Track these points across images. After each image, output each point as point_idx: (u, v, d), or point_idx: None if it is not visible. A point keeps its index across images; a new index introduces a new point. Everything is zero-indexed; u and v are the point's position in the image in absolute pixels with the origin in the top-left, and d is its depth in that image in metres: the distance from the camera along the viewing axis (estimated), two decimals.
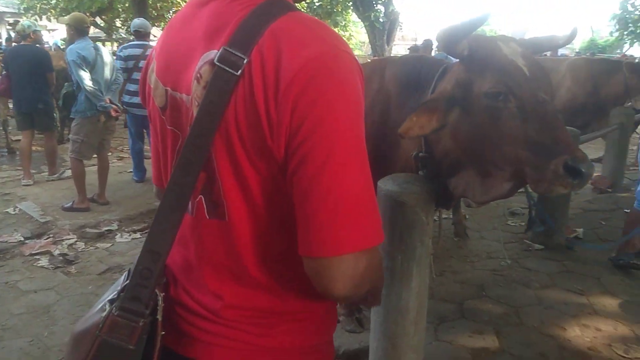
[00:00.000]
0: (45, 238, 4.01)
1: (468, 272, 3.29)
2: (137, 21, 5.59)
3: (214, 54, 0.73)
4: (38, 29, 5.65)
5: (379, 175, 2.05)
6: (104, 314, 0.76)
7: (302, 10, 0.79)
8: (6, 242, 3.88)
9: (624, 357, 2.30)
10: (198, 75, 0.75)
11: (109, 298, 0.80)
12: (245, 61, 0.70)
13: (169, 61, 0.83)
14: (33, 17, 14.06)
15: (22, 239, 3.96)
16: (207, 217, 0.81)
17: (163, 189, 0.88)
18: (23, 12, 16.33)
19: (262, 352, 0.81)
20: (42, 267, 3.51)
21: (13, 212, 4.58)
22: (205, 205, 0.81)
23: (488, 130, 1.49)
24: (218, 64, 0.71)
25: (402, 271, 2.01)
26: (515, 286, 3.07)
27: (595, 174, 5.56)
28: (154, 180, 1.01)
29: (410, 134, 1.56)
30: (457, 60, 1.71)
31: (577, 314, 2.71)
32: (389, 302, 2.08)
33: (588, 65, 5.03)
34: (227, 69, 0.71)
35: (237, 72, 0.70)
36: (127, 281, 0.78)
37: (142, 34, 5.48)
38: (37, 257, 3.66)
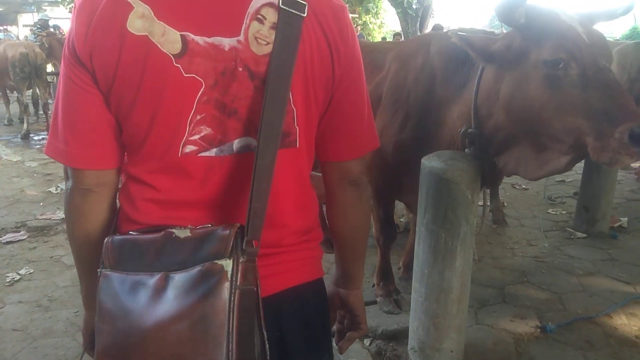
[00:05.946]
0: None
1: (508, 258, 3.22)
2: None
3: None
4: None
5: (422, 153, 2.01)
6: (230, 266, 0.71)
7: None
8: (49, 219, 4.00)
9: None
10: (259, 16, 0.80)
11: (213, 250, 0.73)
12: (305, 4, 0.81)
13: (185, 6, 0.77)
14: (70, 6, 14.36)
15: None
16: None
17: (100, 169, 0.86)
18: (60, 0, 16.69)
19: (313, 261, 0.95)
20: None
21: (55, 192, 4.72)
22: None
23: (547, 100, 1.44)
24: (284, 7, 0.79)
25: (446, 250, 1.98)
26: (558, 273, 2.99)
27: (638, 164, 5.37)
28: (83, 162, 0.87)
29: None
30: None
31: (624, 302, 2.62)
32: (431, 281, 2.05)
33: (637, 50, 4.81)
34: (294, 11, 0.80)
35: (302, 13, 0.80)
36: (244, 223, 0.76)
37: None
38: None
